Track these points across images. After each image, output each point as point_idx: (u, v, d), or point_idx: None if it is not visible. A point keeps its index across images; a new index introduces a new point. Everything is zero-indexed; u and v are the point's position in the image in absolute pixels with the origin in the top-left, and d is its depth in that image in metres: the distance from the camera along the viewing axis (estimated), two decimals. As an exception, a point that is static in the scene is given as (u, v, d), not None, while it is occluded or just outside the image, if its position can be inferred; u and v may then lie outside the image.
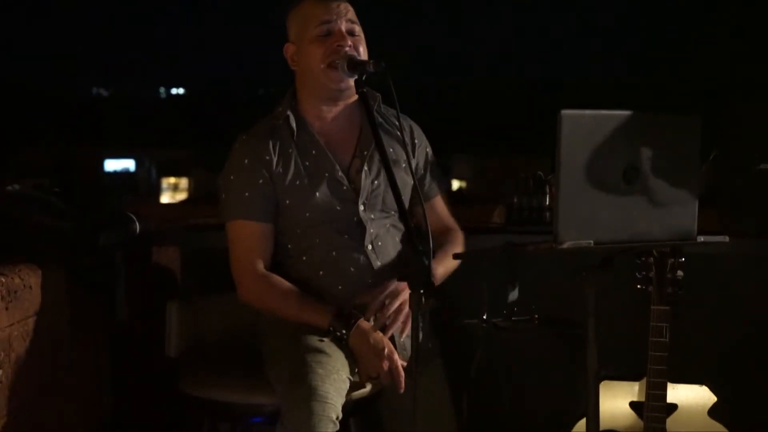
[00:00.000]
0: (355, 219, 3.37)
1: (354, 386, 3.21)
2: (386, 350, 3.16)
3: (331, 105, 3.42)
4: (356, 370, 3.22)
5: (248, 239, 3.37)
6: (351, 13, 3.38)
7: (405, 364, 3.19)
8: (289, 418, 3.04)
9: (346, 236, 3.36)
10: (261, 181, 3.36)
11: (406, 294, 3.18)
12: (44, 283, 3.35)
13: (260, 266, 3.35)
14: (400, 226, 3.44)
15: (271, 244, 3.40)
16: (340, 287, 3.34)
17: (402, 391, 3.16)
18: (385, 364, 3.15)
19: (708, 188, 3.79)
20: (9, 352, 3.14)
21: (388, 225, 3.43)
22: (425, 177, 3.58)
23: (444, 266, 3.43)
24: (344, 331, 3.19)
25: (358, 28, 3.38)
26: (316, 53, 3.33)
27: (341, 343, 3.20)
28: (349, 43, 3.31)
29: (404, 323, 3.25)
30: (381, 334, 3.19)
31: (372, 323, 3.22)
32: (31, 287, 3.27)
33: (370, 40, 3.42)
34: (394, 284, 3.27)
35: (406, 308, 3.21)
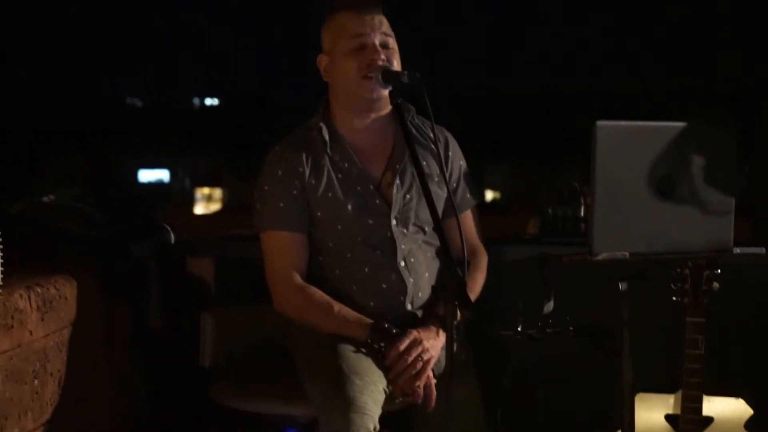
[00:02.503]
0: (388, 234, 3.36)
1: (387, 399, 3.20)
2: (419, 365, 3.15)
3: (364, 116, 3.42)
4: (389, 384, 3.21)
5: (283, 249, 3.37)
6: (385, 26, 3.37)
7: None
8: (327, 429, 3.04)
9: (378, 252, 3.35)
10: (295, 192, 3.36)
11: (426, 343, 3.18)
12: (79, 294, 3.36)
13: (297, 276, 3.34)
14: (433, 242, 3.42)
15: (306, 254, 3.39)
16: (372, 304, 3.32)
17: (430, 410, 3.15)
18: (420, 382, 3.14)
19: (743, 197, 3.77)
20: (44, 363, 3.15)
21: (420, 241, 3.42)
22: (457, 190, 3.56)
23: (471, 291, 3.39)
24: (382, 344, 3.18)
25: (392, 41, 3.36)
26: (350, 67, 3.32)
27: (377, 356, 3.19)
28: (383, 56, 3.29)
29: (420, 372, 3.20)
30: (419, 349, 3.17)
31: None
32: (66, 298, 3.28)
33: (405, 47, 3.41)
34: (415, 333, 3.21)
35: (426, 357, 3.18)
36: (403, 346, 3.15)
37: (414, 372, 3.14)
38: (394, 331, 3.20)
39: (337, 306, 3.28)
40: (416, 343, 3.17)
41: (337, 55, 3.36)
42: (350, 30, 3.33)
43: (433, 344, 3.21)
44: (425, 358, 3.16)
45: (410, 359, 3.14)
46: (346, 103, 3.40)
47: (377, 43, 3.32)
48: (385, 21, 3.37)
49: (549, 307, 2.92)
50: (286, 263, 3.35)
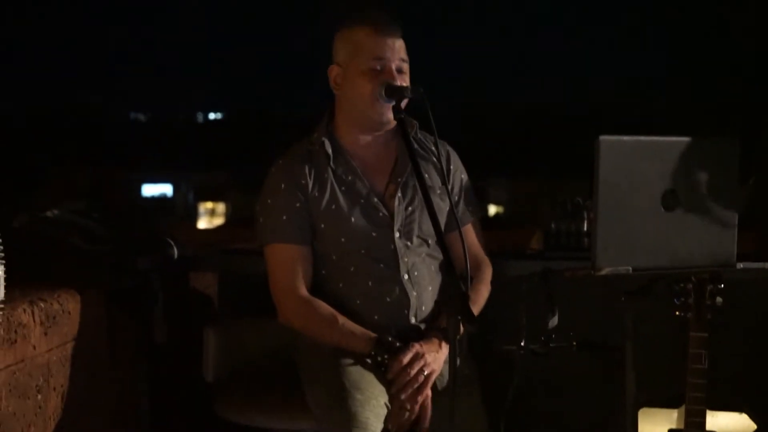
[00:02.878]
0: (392, 247, 3.36)
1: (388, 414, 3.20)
2: (421, 379, 3.15)
3: (370, 133, 3.42)
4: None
5: (288, 262, 3.37)
6: (403, 51, 3.36)
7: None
8: None
9: (382, 265, 3.35)
10: (298, 204, 3.37)
11: (429, 357, 3.18)
12: (83, 308, 3.36)
13: (302, 289, 3.35)
14: (437, 255, 3.42)
15: (310, 267, 3.40)
16: (376, 317, 3.33)
17: (427, 426, 3.15)
18: (422, 396, 3.14)
19: (747, 211, 3.76)
20: (48, 377, 3.15)
21: (424, 255, 3.42)
22: (459, 203, 3.56)
23: (474, 304, 3.40)
24: (386, 357, 3.18)
25: (406, 66, 3.36)
26: (366, 87, 3.32)
27: (380, 369, 3.19)
28: (398, 82, 3.31)
29: (422, 386, 3.19)
30: (421, 363, 3.17)
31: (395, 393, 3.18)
32: (69, 312, 3.28)
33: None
34: (417, 347, 3.22)
35: (428, 371, 3.18)
36: (405, 360, 3.15)
37: (416, 386, 3.14)
38: (398, 344, 3.20)
39: (342, 319, 3.28)
40: (419, 356, 3.17)
41: (351, 71, 3.36)
42: (370, 51, 3.32)
43: (436, 358, 3.21)
44: (427, 372, 3.16)
45: (413, 372, 3.15)
46: (354, 119, 3.41)
47: (394, 68, 3.32)
48: (403, 46, 3.37)
49: (553, 321, 2.93)
50: (291, 276, 3.35)
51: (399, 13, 3.42)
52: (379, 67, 3.31)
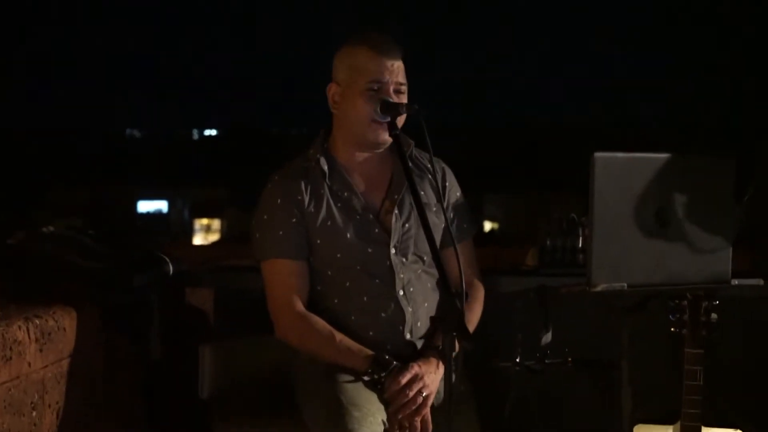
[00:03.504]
0: (387, 263, 3.37)
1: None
2: (420, 400, 3.15)
3: (366, 152, 3.43)
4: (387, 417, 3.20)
5: (284, 277, 3.37)
6: (402, 73, 3.37)
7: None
8: None
9: (377, 281, 3.36)
10: (294, 220, 3.37)
11: (427, 378, 3.18)
12: (78, 325, 3.36)
13: (298, 305, 3.35)
14: (432, 272, 3.43)
15: (307, 282, 3.40)
16: (371, 333, 3.32)
17: None
18: (419, 417, 3.14)
19: (742, 229, 3.77)
20: (42, 394, 3.15)
21: (419, 271, 3.42)
22: (454, 221, 3.56)
23: (469, 323, 3.39)
24: (382, 374, 3.18)
25: (404, 88, 3.37)
26: (363, 108, 3.32)
27: (376, 387, 3.19)
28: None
29: (420, 408, 3.17)
30: (420, 384, 3.16)
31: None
32: (65, 329, 3.28)
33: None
34: (416, 368, 3.21)
35: (426, 392, 3.18)
36: (404, 380, 3.15)
37: (414, 407, 3.14)
38: (395, 363, 3.20)
39: (339, 336, 3.28)
40: (417, 378, 3.17)
41: (350, 91, 3.36)
42: (370, 72, 3.33)
43: (433, 379, 3.21)
44: (425, 393, 3.16)
45: (411, 394, 3.14)
46: (351, 138, 3.41)
47: (392, 90, 3.32)
48: (402, 68, 3.37)
49: (547, 338, 2.93)
50: (287, 291, 3.36)
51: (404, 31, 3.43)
52: (376, 88, 3.32)
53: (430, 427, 3.17)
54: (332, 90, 3.43)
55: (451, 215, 3.55)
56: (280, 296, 3.36)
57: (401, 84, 3.36)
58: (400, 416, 3.14)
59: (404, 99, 3.35)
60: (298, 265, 3.38)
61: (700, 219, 2.79)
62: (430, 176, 3.47)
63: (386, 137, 3.31)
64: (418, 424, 3.15)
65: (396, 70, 3.34)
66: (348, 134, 3.42)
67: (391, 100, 3.29)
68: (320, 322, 3.31)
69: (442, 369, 3.22)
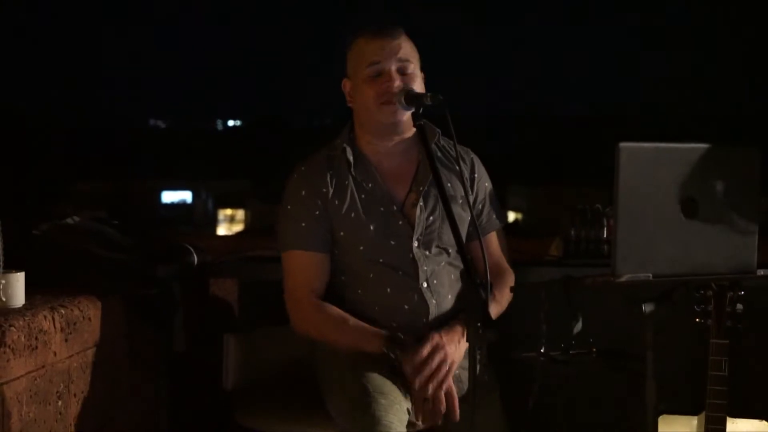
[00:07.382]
0: (410, 256, 3.36)
1: (410, 422, 3.20)
2: (444, 369, 3.15)
3: (388, 140, 3.42)
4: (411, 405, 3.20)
5: (303, 269, 3.38)
6: (404, 51, 3.37)
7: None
8: None
9: (400, 273, 3.35)
10: (317, 212, 3.37)
11: (449, 348, 3.18)
12: (103, 315, 3.38)
13: (312, 296, 3.35)
14: (457, 264, 3.42)
15: (326, 274, 3.40)
16: (394, 324, 3.32)
17: (458, 419, 3.15)
18: (442, 390, 3.14)
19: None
20: (68, 384, 3.16)
21: (443, 263, 3.42)
22: (483, 211, 3.56)
23: (494, 309, 3.39)
24: (398, 352, 3.18)
25: (411, 65, 3.37)
26: (368, 94, 3.34)
27: (394, 367, 3.19)
28: (398, 83, 3.31)
29: (444, 377, 3.20)
30: (442, 354, 3.17)
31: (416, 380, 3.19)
32: (90, 319, 3.29)
33: (433, 69, 3.41)
34: (437, 338, 3.23)
35: (449, 361, 3.19)
36: (425, 352, 3.16)
37: (439, 378, 3.14)
38: (409, 341, 3.20)
39: (352, 320, 3.29)
40: (438, 348, 3.17)
41: (357, 82, 3.40)
42: (367, 57, 3.36)
43: (456, 348, 3.20)
44: (448, 363, 3.16)
45: (434, 365, 3.15)
46: (369, 127, 3.42)
47: (393, 69, 3.33)
48: (404, 45, 3.37)
49: (578, 327, 2.92)
50: (303, 283, 3.37)
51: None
52: (377, 71, 3.33)
53: (456, 399, 3.16)
54: (347, 87, 3.47)
55: (480, 207, 3.55)
56: (296, 288, 3.38)
57: (404, 61, 3.35)
58: (428, 390, 3.14)
59: (413, 77, 3.35)
60: (316, 257, 3.38)
61: (725, 209, 2.78)
62: (458, 167, 3.45)
63: (401, 117, 3.32)
64: (442, 396, 3.15)
65: (394, 48, 3.35)
66: (366, 124, 3.42)
67: (410, 88, 3.28)
68: (332, 309, 3.32)
69: (465, 340, 3.22)
